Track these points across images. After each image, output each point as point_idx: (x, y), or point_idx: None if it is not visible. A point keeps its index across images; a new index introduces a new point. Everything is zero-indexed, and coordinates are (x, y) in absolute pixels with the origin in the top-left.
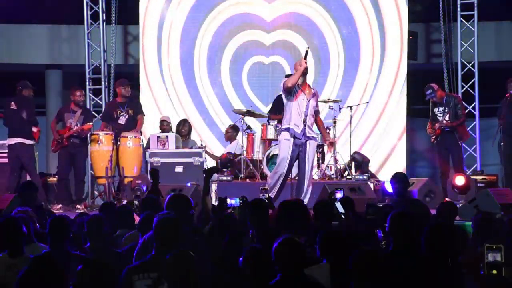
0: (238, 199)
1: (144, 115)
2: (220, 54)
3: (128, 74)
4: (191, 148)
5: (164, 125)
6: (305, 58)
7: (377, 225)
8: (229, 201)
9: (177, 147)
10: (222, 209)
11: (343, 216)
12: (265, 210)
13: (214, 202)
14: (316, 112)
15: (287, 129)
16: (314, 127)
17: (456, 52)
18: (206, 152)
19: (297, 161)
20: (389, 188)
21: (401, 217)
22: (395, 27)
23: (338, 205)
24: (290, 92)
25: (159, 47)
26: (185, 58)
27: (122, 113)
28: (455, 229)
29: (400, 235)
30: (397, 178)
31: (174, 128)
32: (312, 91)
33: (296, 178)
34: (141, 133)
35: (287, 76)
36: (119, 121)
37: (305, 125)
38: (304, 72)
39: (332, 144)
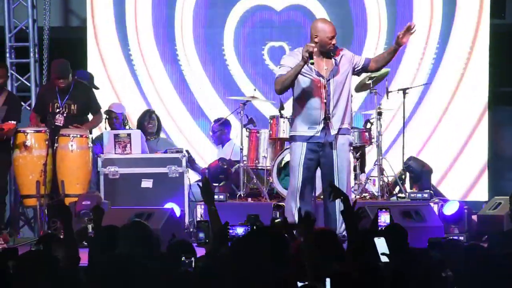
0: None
1: (101, 114)
2: (215, 13)
3: (69, 42)
4: (165, 152)
5: (113, 119)
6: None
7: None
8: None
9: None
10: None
11: (385, 259)
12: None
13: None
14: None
15: (293, 138)
16: (344, 113)
17: None
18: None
19: (320, 171)
20: (450, 210)
21: None
22: None
23: (380, 241)
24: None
25: (119, 2)
26: (161, 19)
27: (59, 110)
28: None
29: None
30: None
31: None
32: (333, 61)
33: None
34: (90, 131)
35: (281, 66)
36: (56, 122)
37: (328, 120)
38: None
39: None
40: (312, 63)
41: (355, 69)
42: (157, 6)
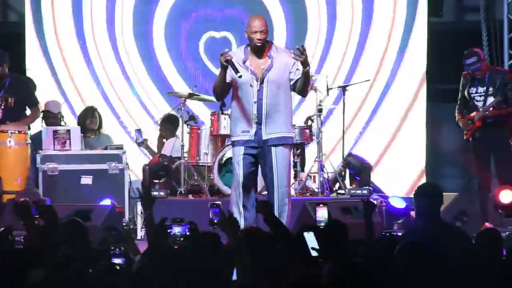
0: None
1: (38, 109)
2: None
3: (7, 37)
4: (106, 148)
5: (50, 118)
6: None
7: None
8: (175, 228)
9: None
10: (162, 238)
11: (315, 255)
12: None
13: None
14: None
15: (232, 143)
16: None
17: (500, 4)
18: (146, 145)
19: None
20: (398, 204)
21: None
22: None
23: (310, 236)
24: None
25: None
26: (103, 13)
27: None
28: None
29: None
30: (425, 193)
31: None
32: (269, 60)
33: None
34: (29, 127)
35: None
36: None
37: (260, 124)
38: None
39: None
40: (240, 76)
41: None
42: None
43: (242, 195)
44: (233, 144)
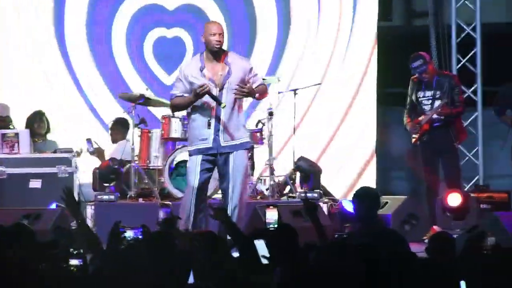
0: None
1: None
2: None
3: None
4: (55, 151)
5: None
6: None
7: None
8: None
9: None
10: (116, 243)
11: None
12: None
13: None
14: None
15: (189, 153)
16: (240, 123)
17: (449, 9)
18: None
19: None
20: (350, 208)
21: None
22: None
23: (260, 244)
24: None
25: None
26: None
27: None
28: None
29: None
30: (360, 196)
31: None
32: (226, 66)
33: (216, 197)
34: None
35: (175, 82)
36: None
37: (218, 131)
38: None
39: None
40: (224, 107)
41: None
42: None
43: (195, 201)
44: (190, 153)
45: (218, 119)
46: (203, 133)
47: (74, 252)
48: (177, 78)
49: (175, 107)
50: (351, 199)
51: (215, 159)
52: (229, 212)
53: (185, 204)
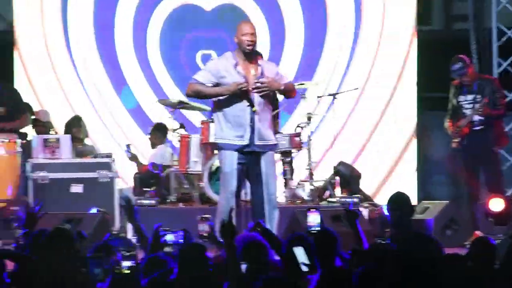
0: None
1: (27, 115)
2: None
3: None
4: (95, 156)
5: (38, 126)
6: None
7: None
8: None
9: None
10: (156, 247)
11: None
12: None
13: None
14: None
15: (221, 146)
16: (270, 125)
17: (489, 12)
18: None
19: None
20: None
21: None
22: None
23: (299, 251)
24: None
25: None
26: (100, 22)
27: None
28: None
29: None
30: (392, 203)
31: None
32: (259, 68)
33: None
34: (20, 136)
35: (203, 70)
36: None
37: (253, 129)
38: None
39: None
40: (254, 111)
41: None
42: (98, 8)
43: (235, 200)
44: (223, 147)
45: (252, 118)
46: (238, 130)
47: (127, 254)
48: (204, 68)
49: (193, 92)
50: None
51: (247, 160)
52: (267, 214)
53: (222, 210)
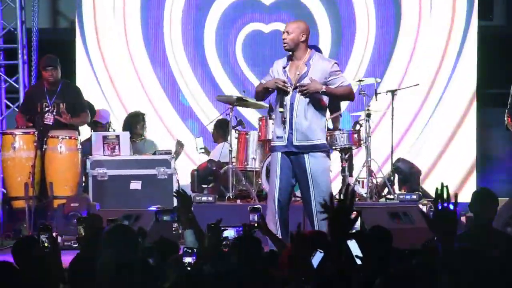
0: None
1: (87, 112)
2: (202, 16)
3: (58, 44)
4: (154, 153)
5: (99, 126)
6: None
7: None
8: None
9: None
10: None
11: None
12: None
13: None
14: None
15: (271, 148)
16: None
17: None
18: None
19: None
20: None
21: None
22: None
23: (352, 244)
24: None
25: (106, 4)
26: (150, 22)
27: (48, 108)
28: None
29: None
30: (478, 198)
31: (115, 126)
32: (305, 67)
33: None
34: (79, 132)
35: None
36: (45, 120)
37: (291, 129)
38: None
39: None
40: (282, 112)
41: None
42: (145, 7)
43: (277, 207)
44: (270, 148)
45: (292, 118)
46: (279, 131)
47: (188, 250)
48: (270, 70)
49: (255, 93)
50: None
51: (291, 159)
52: (315, 213)
53: (269, 212)
